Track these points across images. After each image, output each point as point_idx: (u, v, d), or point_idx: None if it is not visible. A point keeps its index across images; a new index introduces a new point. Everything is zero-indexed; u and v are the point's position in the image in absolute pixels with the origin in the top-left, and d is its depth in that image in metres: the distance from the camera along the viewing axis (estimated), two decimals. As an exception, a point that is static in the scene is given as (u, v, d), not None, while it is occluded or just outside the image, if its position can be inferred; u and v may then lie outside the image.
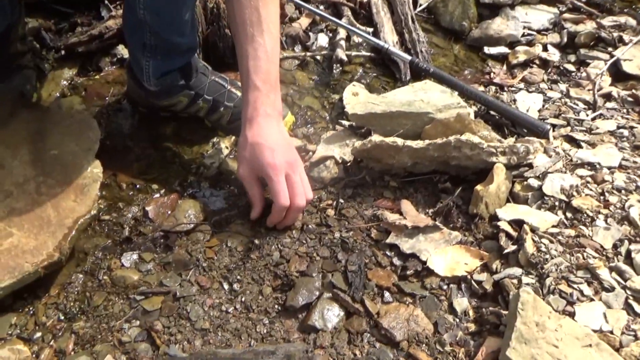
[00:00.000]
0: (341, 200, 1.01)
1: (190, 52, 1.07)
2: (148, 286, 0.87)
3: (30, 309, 0.84)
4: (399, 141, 1.00)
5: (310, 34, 1.51)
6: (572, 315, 0.77)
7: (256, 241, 0.93)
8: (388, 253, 0.92)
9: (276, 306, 0.85)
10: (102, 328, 0.82)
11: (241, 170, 0.92)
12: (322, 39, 1.49)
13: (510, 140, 1.07)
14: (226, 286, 0.88)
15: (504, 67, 1.47)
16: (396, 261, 0.91)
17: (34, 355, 0.79)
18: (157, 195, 1.04)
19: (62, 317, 0.84)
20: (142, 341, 0.80)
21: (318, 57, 1.44)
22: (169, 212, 1.00)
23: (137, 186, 1.06)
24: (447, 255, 0.91)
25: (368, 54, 1.46)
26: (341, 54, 1.40)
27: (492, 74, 1.44)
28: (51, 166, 0.94)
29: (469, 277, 0.88)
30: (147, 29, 0.98)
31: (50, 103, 1.18)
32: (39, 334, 0.81)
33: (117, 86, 1.25)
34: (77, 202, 0.90)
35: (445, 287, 0.87)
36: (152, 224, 0.98)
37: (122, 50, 1.30)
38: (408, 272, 0.89)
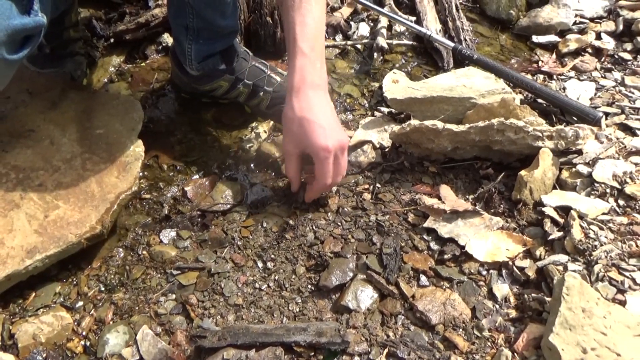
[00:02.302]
0: (378, 185, 1.00)
1: (232, 36, 1.09)
2: (184, 262, 0.89)
3: (74, 279, 0.88)
4: (439, 124, 0.98)
5: (352, 23, 1.50)
6: (622, 303, 0.73)
7: (291, 222, 0.93)
8: (425, 237, 0.90)
9: (309, 286, 0.85)
10: (140, 300, 0.84)
11: (288, 146, 0.89)
12: (363, 28, 1.49)
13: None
14: (260, 264, 0.88)
15: (553, 56, 1.41)
16: (433, 245, 0.89)
17: (75, 323, 0.82)
18: (196, 176, 1.06)
19: (103, 289, 0.87)
20: (177, 314, 0.82)
21: (359, 46, 1.43)
22: (207, 192, 1.02)
23: (177, 167, 1.09)
24: (488, 240, 0.88)
25: (410, 42, 1.44)
26: (382, 42, 1.39)
27: (540, 62, 1.39)
28: (97, 144, 0.97)
29: (510, 263, 0.84)
30: (190, 10, 1.00)
31: (98, 88, 1.23)
32: (80, 303, 0.84)
33: (162, 73, 1.29)
34: (120, 178, 0.94)
35: (484, 272, 0.84)
36: (191, 204, 1.00)
37: (167, 39, 1.34)
38: (445, 257, 0.86)
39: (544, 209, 0.89)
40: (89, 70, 1.26)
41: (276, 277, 0.86)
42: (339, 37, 1.47)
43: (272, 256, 0.89)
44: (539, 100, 1.21)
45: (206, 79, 1.12)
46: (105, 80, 1.26)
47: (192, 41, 1.05)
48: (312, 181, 0.91)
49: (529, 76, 1.33)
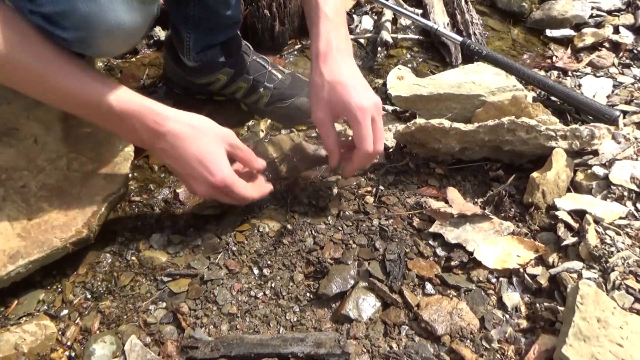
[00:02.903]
0: (381, 187, 1.00)
1: (234, 27, 1.09)
2: (176, 268, 0.89)
3: (58, 286, 0.88)
4: (446, 123, 0.98)
5: (354, 16, 1.51)
6: (640, 313, 0.73)
7: (289, 226, 0.93)
8: (431, 242, 0.90)
9: (308, 294, 0.85)
10: (128, 308, 0.84)
11: (319, 114, 0.87)
12: (367, 21, 1.49)
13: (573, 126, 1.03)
14: (256, 271, 0.88)
15: (568, 51, 1.42)
16: (440, 251, 0.89)
17: (60, 332, 0.82)
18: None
19: (89, 296, 0.87)
20: (167, 323, 0.82)
21: (362, 40, 1.44)
22: (190, 186, 1.02)
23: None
24: (498, 246, 0.88)
25: (416, 36, 1.45)
26: (386, 36, 1.39)
27: (554, 57, 1.39)
28: (83, 143, 0.98)
29: (521, 270, 0.84)
30: None
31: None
32: (65, 312, 0.85)
33: (153, 69, 1.30)
34: (108, 180, 0.94)
35: (494, 280, 0.84)
36: (183, 207, 1.01)
37: (159, 32, 1.35)
38: (452, 263, 0.86)
39: (557, 213, 0.89)
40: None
41: (273, 285, 0.86)
42: (340, 30, 1.47)
43: (269, 262, 0.89)
44: (553, 98, 1.21)
45: (204, 71, 1.12)
46: (94, 76, 1.26)
47: (192, 30, 1.05)
48: (348, 156, 0.89)
49: (542, 72, 1.33)
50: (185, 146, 0.81)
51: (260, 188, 0.91)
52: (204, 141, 0.82)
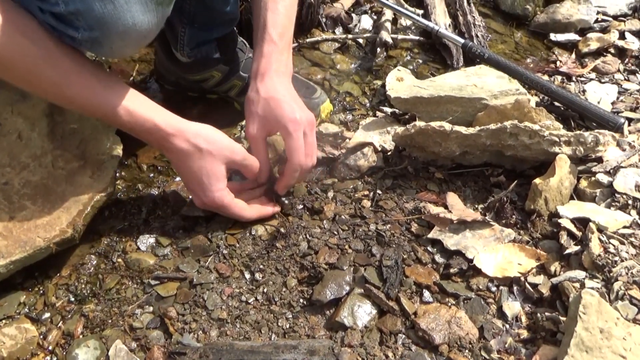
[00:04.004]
0: (379, 191, 1.01)
1: (231, 23, 1.10)
2: (164, 271, 0.89)
3: (40, 288, 0.88)
4: (447, 126, 0.99)
5: (353, 15, 1.52)
6: (644, 324, 0.74)
7: (282, 230, 0.94)
8: (429, 249, 0.91)
9: (301, 300, 0.85)
10: (113, 312, 0.84)
11: (251, 129, 0.92)
12: (366, 21, 1.51)
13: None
14: (247, 275, 0.88)
15: (573, 56, 1.44)
16: (438, 258, 0.89)
17: (41, 336, 0.81)
18: (179, 178, 1.07)
19: (73, 299, 0.87)
20: (154, 328, 0.82)
21: (360, 41, 1.45)
22: (190, 196, 1.02)
23: (158, 168, 1.09)
24: (498, 254, 0.88)
25: (416, 37, 1.46)
26: (386, 36, 1.41)
27: (558, 62, 1.41)
28: (69, 140, 0.98)
29: (522, 279, 0.85)
30: None
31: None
32: (47, 315, 0.84)
33: (143, 64, 1.30)
34: (94, 178, 0.94)
35: (494, 289, 0.85)
36: (172, 208, 1.01)
37: (150, 27, 1.35)
38: (451, 271, 0.87)
39: (560, 220, 0.90)
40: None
41: (265, 290, 0.86)
42: (339, 30, 1.49)
43: (261, 267, 0.89)
44: (556, 104, 1.22)
45: (197, 67, 1.13)
46: (81, 70, 1.27)
47: (187, 25, 1.05)
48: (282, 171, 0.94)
49: (545, 77, 1.35)
50: (187, 164, 0.88)
51: (261, 209, 0.95)
52: (205, 162, 0.87)
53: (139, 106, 0.83)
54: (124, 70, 1.28)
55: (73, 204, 0.90)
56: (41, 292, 0.87)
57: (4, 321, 0.82)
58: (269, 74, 0.92)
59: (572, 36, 1.49)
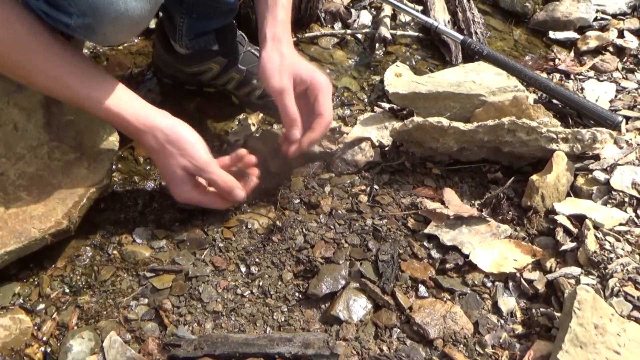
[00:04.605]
0: (376, 186, 1.01)
1: (230, 14, 1.09)
2: (159, 263, 0.89)
3: (35, 279, 0.88)
4: (445, 122, 0.99)
5: (352, 10, 1.52)
6: (638, 321, 0.74)
7: (278, 223, 0.93)
8: (426, 244, 0.91)
9: (297, 293, 0.85)
10: (108, 304, 0.84)
11: (277, 81, 0.90)
12: (365, 17, 1.50)
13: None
14: (243, 269, 0.88)
15: (571, 54, 1.44)
16: (434, 253, 0.90)
17: (35, 327, 0.81)
18: (176, 171, 1.07)
19: (67, 290, 0.86)
20: (149, 320, 0.82)
21: (359, 36, 1.45)
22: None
23: (155, 161, 1.09)
24: (494, 249, 0.88)
25: (415, 33, 1.46)
26: (385, 32, 1.40)
27: (557, 60, 1.41)
28: (66, 132, 0.97)
29: (518, 274, 0.85)
30: None
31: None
32: (42, 306, 0.84)
33: (141, 57, 1.30)
34: (90, 170, 0.93)
35: (489, 284, 0.85)
36: (168, 200, 1.00)
37: (149, 20, 1.35)
38: (447, 266, 0.87)
39: (556, 217, 0.91)
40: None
41: (260, 283, 0.86)
42: (337, 25, 1.49)
43: (257, 260, 0.89)
44: (554, 101, 1.23)
45: (195, 59, 1.12)
46: (78, 62, 1.26)
47: (185, 15, 1.05)
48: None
49: (544, 75, 1.35)
50: (156, 160, 0.90)
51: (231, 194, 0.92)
52: (167, 162, 0.87)
53: (112, 99, 0.83)
54: (122, 63, 1.28)
55: (69, 195, 0.90)
56: (36, 283, 0.87)
57: (-2, 312, 0.82)
58: (287, 39, 0.93)
59: (571, 34, 1.50)
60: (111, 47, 1.31)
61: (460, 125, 0.98)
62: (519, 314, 0.81)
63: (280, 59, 0.91)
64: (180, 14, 1.05)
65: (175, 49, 1.11)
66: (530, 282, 0.84)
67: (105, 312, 0.83)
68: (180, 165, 0.87)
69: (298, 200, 0.99)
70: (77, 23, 0.73)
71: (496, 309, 0.82)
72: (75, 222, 0.89)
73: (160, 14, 1.11)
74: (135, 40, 1.35)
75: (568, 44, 1.48)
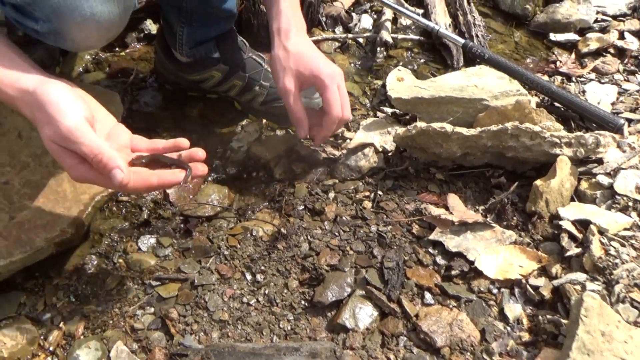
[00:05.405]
0: (380, 192, 1.01)
1: (229, 21, 1.09)
2: (165, 272, 0.89)
3: (41, 288, 0.87)
4: (448, 127, 0.99)
5: (353, 14, 1.51)
6: (645, 327, 0.74)
7: (283, 231, 0.93)
8: (431, 250, 0.91)
9: (302, 301, 0.85)
10: (114, 313, 0.84)
11: (286, 82, 0.92)
12: (366, 20, 1.50)
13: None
14: (249, 277, 0.88)
15: (572, 56, 1.43)
16: (440, 260, 0.89)
17: (42, 337, 0.81)
18: (180, 178, 1.06)
19: (73, 299, 0.86)
20: (155, 329, 0.82)
21: (360, 40, 1.44)
22: (191, 196, 1.02)
23: (159, 168, 1.08)
24: (499, 255, 0.88)
25: (417, 37, 1.45)
26: (386, 36, 1.40)
27: (558, 62, 1.41)
28: (70, 140, 0.97)
29: (523, 281, 0.85)
30: None
31: (72, 78, 1.23)
32: (48, 315, 0.84)
33: (143, 63, 1.29)
34: (95, 178, 0.93)
35: (495, 291, 0.85)
36: (173, 208, 1.00)
37: (150, 26, 1.35)
38: (453, 273, 0.87)
39: (560, 222, 0.90)
40: (63, 58, 1.25)
41: (266, 291, 0.86)
42: (339, 29, 1.48)
43: (262, 268, 0.89)
44: (557, 104, 1.22)
45: (197, 67, 1.12)
46: (81, 69, 1.26)
47: (185, 24, 1.04)
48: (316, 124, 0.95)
49: (545, 77, 1.34)
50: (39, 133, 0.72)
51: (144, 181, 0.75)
52: (42, 134, 0.70)
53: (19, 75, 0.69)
54: (124, 69, 1.27)
55: (74, 204, 0.90)
56: (42, 292, 0.87)
57: (4, 322, 0.82)
58: (293, 30, 0.93)
59: (571, 36, 1.49)
60: (112, 53, 1.31)
61: (464, 131, 0.98)
62: (525, 321, 0.81)
63: (285, 57, 0.92)
64: (179, 23, 1.05)
65: (176, 57, 1.11)
66: (536, 288, 0.84)
67: (111, 322, 0.83)
68: (48, 136, 0.69)
69: (302, 207, 0.98)
70: (44, 28, 0.72)
71: (502, 316, 0.82)
72: (81, 232, 0.88)
73: (160, 23, 1.11)
74: (138, 46, 1.34)
75: (569, 46, 1.48)
